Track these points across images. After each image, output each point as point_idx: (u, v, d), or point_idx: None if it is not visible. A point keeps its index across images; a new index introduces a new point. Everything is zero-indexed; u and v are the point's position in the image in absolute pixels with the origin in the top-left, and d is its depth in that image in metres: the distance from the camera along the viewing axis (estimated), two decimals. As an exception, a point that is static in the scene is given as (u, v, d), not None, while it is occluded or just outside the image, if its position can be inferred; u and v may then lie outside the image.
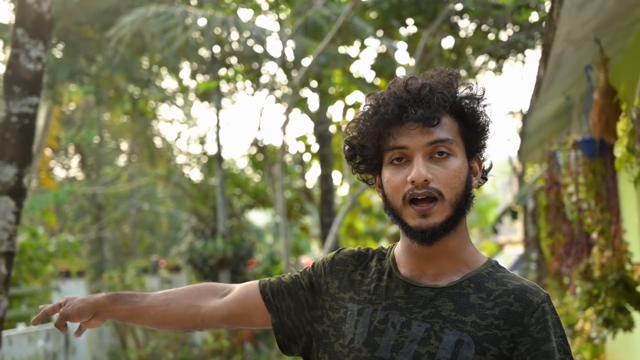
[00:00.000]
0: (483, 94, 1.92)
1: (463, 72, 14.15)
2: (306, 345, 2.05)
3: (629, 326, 5.22)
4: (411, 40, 14.45)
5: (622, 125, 4.15)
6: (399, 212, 1.86)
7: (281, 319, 2.05)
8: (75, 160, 26.87)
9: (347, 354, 1.90)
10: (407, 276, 1.92)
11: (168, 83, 20.68)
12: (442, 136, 1.84)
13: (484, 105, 1.92)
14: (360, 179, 2.02)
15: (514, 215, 14.97)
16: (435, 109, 1.82)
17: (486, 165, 1.98)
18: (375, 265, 2.00)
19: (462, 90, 1.91)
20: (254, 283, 2.12)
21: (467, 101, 1.89)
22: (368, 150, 1.90)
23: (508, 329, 1.79)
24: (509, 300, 1.82)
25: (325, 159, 17.87)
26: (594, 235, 5.62)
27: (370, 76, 15.74)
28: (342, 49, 15.31)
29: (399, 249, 1.98)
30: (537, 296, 1.83)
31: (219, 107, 16.32)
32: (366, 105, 1.93)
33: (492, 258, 1.96)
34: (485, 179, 1.98)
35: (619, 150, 4.16)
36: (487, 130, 1.93)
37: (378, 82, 14.94)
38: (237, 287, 2.14)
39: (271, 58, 14.68)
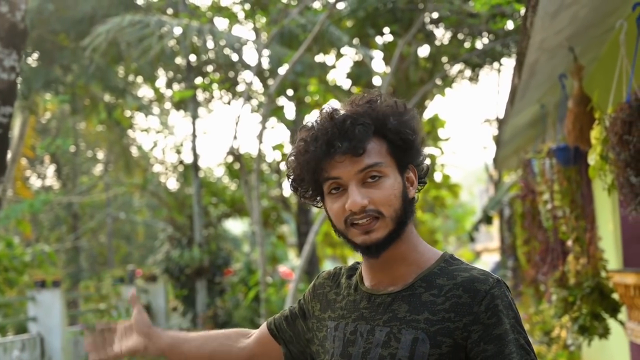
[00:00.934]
0: (404, 111, 2.01)
1: (439, 81, 14.22)
2: None
3: (605, 333, 5.24)
4: (387, 48, 14.50)
5: (595, 133, 4.17)
6: (345, 233, 1.99)
7: (288, 348, 2.26)
8: (51, 170, 26.74)
9: None
10: (369, 287, 2.06)
11: (144, 92, 20.64)
12: (370, 162, 1.94)
13: (406, 121, 2.01)
14: (308, 203, 2.13)
15: (489, 220, 15.00)
16: (359, 139, 1.93)
17: (423, 168, 2.08)
18: (345, 282, 2.16)
19: (385, 111, 1.99)
20: (265, 323, 2.34)
21: (390, 121, 1.98)
22: (307, 183, 2.02)
23: (460, 319, 1.89)
24: (458, 293, 1.92)
25: (302, 167, 17.84)
26: (569, 243, 5.64)
27: (346, 84, 15.77)
28: (318, 58, 15.32)
29: (363, 263, 2.11)
30: (485, 284, 1.91)
31: (195, 116, 16.27)
32: (299, 139, 2.02)
33: (446, 252, 2.06)
34: (424, 182, 2.09)
35: (592, 158, 4.19)
36: (413, 142, 2.01)
37: (354, 90, 14.96)
38: (259, 330, 2.34)
39: (247, 67, 14.67)
